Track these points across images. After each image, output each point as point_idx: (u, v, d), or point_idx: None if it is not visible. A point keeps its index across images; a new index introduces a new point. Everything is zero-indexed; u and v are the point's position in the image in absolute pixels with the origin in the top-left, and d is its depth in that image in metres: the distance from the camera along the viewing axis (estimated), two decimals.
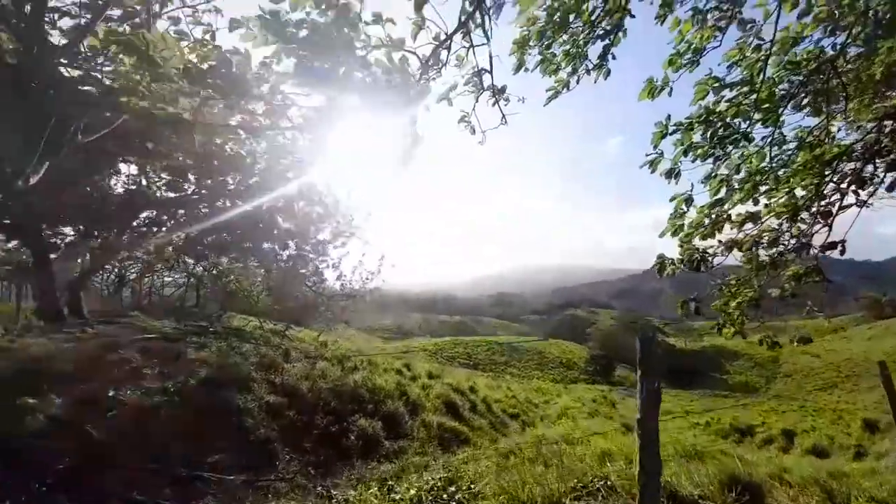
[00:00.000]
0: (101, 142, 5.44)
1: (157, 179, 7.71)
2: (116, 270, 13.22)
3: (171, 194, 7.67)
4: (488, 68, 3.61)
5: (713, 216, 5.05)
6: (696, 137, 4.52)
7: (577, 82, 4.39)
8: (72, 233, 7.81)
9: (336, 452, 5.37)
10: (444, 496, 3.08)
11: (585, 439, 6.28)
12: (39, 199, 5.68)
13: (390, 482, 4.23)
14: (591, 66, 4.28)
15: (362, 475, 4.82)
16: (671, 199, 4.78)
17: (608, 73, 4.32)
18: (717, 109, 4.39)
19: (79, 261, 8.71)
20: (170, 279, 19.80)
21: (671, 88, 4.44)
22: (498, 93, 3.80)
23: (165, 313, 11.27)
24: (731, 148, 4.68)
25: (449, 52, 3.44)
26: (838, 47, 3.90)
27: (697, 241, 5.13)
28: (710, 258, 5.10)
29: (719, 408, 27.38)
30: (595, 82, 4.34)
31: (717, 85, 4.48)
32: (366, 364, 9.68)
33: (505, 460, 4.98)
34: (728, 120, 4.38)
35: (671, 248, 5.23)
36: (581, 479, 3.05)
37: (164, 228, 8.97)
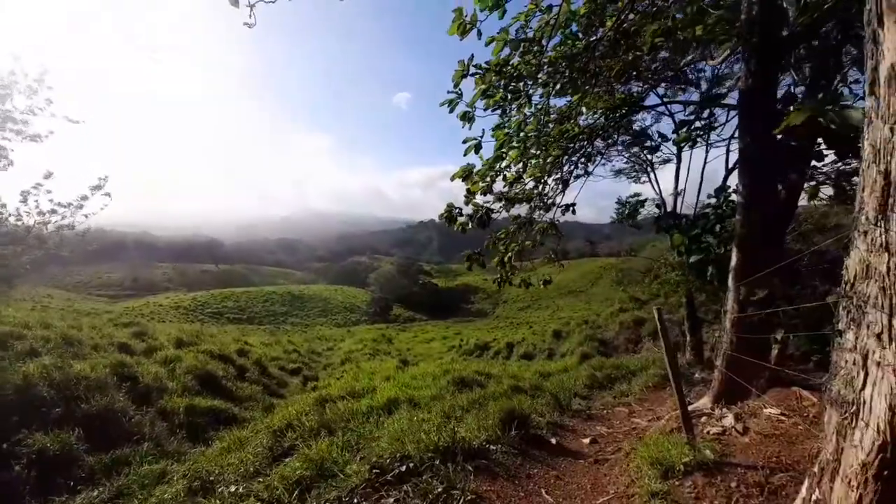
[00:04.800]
0: None
1: None
2: None
3: None
4: None
5: (495, 170, 5.44)
6: (492, 83, 4.57)
7: None
8: None
9: None
10: None
11: (370, 387, 6.17)
12: None
13: None
14: None
15: None
16: (464, 142, 4.79)
17: None
18: (511, 61, 4.51)
19: None
20: None
21: (479, 32, 4.20)
22: None
23: None
24: (515, 105, 5.04)
25: None
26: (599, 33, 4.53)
27: (479, 198, 5.48)
28: (492, 214, 5.59)
29: (465, 331, 34.72)
30: None
31: (512, 40, 4.53)
32: (56, 343, 6.43)
33: (281, 438, 4.16)
34: (518, 74, 4.58)
35: (440, 206, 5.36)
36: (378, 459, 2.65)
37: None
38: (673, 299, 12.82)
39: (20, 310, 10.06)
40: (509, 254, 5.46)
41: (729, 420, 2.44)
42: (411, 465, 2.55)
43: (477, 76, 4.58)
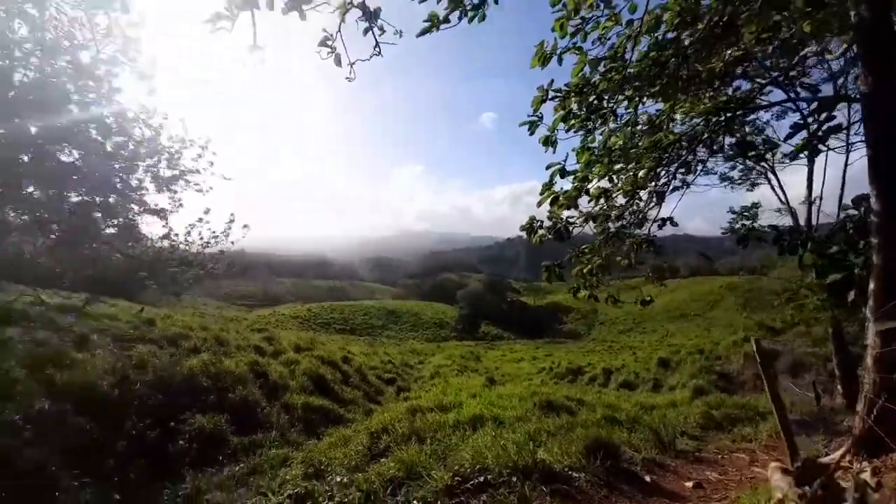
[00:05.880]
0: None
1: None
2: None
3: None
4: None
5: (580, 190, 5.32)
6: (573, 107, 4.57)
7: (459, 19, 3.78)
8: None
9: (155, 465, 4.18)
10: None
11: (457, 402, 6.39)
12: None
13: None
14: (469, 5, 3.72)
15: (194, 488, 3.83)
16: (547, 168, 4.82)
17: (483, 17, 3.80)
18: (592, 80, 4.47)
19: None
20: None
21: (560, 57, 4.30)
22: (371, 16, 2.98)
23: None
24: (599, 122, 4.92)
25: None
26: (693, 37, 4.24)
27: (563, 213, 5.41)
28: (571, 228, 5.47)
29: (557, 352, 33.04)
30: (470, 22, 3.80)
31: (592, 59, 4.49)
32: (211, 343, 8.07)
33: (377, 440, 4.61)
34: (600, 92, 4.50)
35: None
36: (460, 468, 2.83)
37: None
38: (817, 329, 10.51)
39: (185, 315, 12.84)
40: (589, 266, 5.25)
41: (866, 475, 2.02)
42: (489, 477, 2.66)
43: (557, 101, 4.62)
